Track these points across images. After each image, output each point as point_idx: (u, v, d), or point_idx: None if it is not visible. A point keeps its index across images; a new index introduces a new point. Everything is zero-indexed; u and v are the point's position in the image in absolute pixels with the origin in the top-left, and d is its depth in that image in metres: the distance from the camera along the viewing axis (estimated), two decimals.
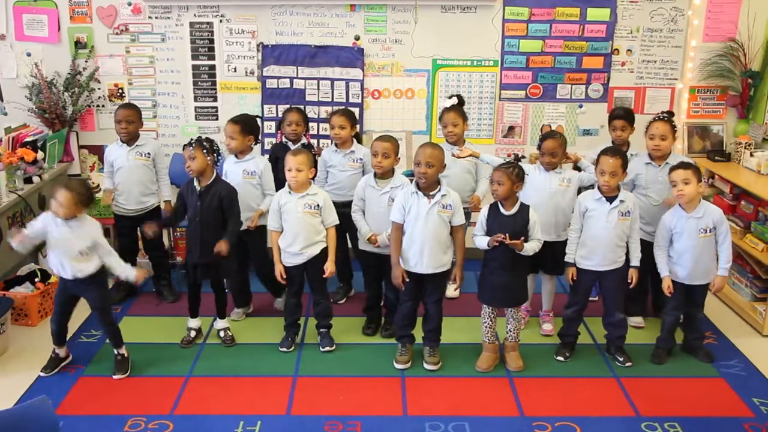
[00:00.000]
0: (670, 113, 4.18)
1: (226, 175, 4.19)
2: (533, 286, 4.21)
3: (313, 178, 3.91)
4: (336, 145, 4.37)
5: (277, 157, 4.33)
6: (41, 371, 3.74)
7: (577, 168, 4.16)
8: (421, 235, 3.65)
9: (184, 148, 3.83)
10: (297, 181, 3.78)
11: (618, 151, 3.81)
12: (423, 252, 3.66)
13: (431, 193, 3.64)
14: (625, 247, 3.82)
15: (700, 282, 3.83)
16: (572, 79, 5.02)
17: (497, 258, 3.66)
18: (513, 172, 3.61)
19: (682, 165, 3.74)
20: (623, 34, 4.96)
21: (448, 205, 3.65)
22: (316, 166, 3.99)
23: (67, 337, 3.83)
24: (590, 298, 4.05)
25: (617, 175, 3.70)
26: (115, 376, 3.69)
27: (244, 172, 4.15)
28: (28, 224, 3.66)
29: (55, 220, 3.51)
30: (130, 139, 4.41)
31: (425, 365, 3.83)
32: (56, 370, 3.77)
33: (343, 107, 4.64)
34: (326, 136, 5.04)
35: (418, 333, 3.92)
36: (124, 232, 4.58)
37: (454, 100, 4.39)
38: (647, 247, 3.92)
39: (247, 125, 4.22)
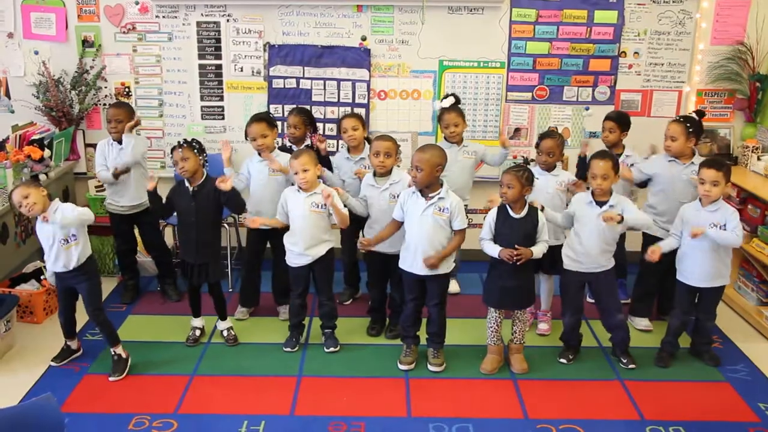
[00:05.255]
0: (700, 112, 4.16)
1: (250, 174, 4.19)
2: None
3: (320, 177, 3.91)
4: (348, 149, 4.36)
5: None
6: (52, 360, 3.81)
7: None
8: (416, 235, 3.66)
9: (172, 151, 3.82)
10: (307, 181, 3.78)
11: (608, 153, 3.78)
12: (417, 253, 3.66)
13: (430, 195, 3.64)
14: (612, 251, 3.80)
15: (708, 284, 3.78)
16: (579, 82, 5.01)
17: (505, 262, 3.63)
18: (523, 175, 3.60)
19: (715, 165, 3.67)
20: (630, 37, 4.94)
21: (444, 209, 3.63)
22: (325, 164, 3.99)
23: (77, 330, 3.88)
24: (589, 300, 4.03)
25: (609, 177, 3.66)
26: (111, 378, 3.69)
27: (270, 169, 4.14)
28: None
29: (41, 226, 3.58)
30: (120, 138, 4.37)
31: (429, 367, 3.82)
32: (66, 361, 3.83)
33: (351, 112, 4.59)
34: (332, 137, 5.05)
35: (423, 334, 3.92)
36: (121, 231, 4.55)
37: (452, 100, 4.40)
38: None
39: (273, 122, 4.26)
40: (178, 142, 3.84)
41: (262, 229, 4.08)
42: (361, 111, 4.99)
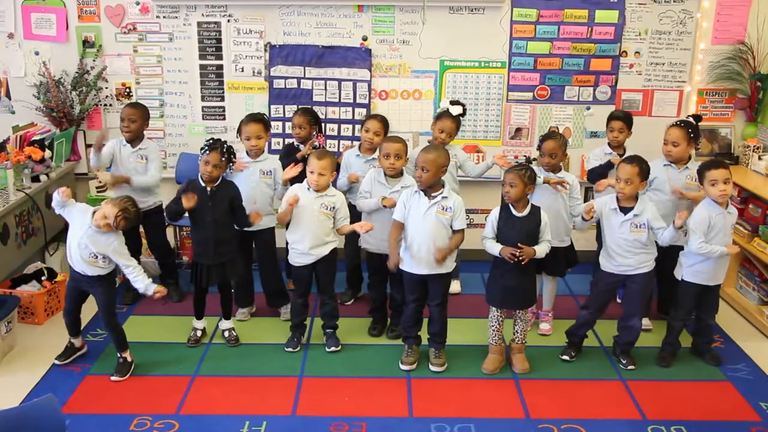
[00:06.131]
0: (697, 117, 4.14)
1: (235, 175, 4.13)
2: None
3: (333, 182, 3.90)
4: (359, 147, 4.34)
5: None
6: (56, 359, 3.80)
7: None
8: (419, 235, 3.66)
9: (209, 151, 3.73)
10: (318, 184, 3.79)
11: (637, 159, 3.72)
12: (420, 252, 3.66)
13: (433, 194, 3.64)
14: (648, 252, 3.76)
15: (716, 283, 3.81)
16: (580, 81, 5.01)
17: (507, 261, 3.62)
18: (525, 174, 3.60)
19: (722, 163, 3.67)
20: (631, 37, 4.94)
21: (447, 208, 3.64)
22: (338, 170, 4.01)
23: (81, 329, 3.87)
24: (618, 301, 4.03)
25: (632, 182, 3.63)
26: (113, 378, 3.68)
27: (260, 171, 4.13)
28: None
29: (84, 214, 3.52)
30: (133, 139, 4.36)
31: (431, 367, 3.82)
32: (70, 360, 3.82)
33: (380, 114, 4.47)
34: (333, 137, 5.05)
35: (424, 334, 3.92)
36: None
37: (460, 110, 4.32)
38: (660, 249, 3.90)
39: (269, 124, 4.23)
40: (215, 142, 3.77)
41: (246, 229, 4.09)
42: (362, 111, 4.99)
